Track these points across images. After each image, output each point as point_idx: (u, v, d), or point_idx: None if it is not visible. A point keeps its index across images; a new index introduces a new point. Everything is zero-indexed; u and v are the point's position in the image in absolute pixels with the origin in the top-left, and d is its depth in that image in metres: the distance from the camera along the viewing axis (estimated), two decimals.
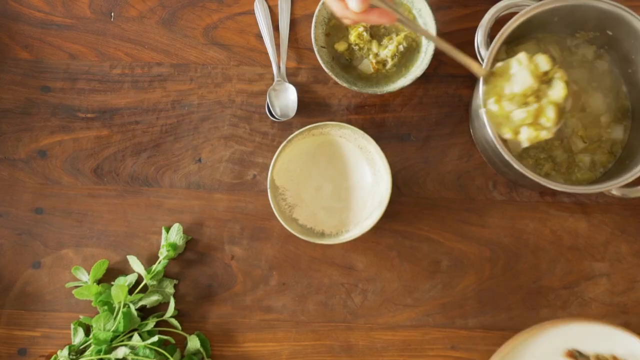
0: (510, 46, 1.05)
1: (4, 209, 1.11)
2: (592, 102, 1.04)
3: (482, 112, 0.90)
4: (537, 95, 0.89)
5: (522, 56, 0.89)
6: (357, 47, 1.07)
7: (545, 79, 0.89)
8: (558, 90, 0.88)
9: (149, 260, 1.09)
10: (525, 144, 0.90)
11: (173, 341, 1.06)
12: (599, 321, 1.01)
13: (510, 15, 0.95)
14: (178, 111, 1.12)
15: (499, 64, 0.90)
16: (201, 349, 1.05)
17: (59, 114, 1.13)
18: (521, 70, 0.88)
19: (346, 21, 0.83)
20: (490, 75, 0.91)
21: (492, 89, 0.91)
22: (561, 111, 0.89)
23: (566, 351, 1.00)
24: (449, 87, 1.10)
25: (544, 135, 0.90)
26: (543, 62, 0.89)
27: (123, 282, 1.05)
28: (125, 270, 1.09)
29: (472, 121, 1.06)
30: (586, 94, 1.05)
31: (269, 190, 1.03)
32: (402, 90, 1.10)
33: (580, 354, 1.00)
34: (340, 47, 1.07)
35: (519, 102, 0.89)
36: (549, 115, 0.89)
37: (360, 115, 1.11)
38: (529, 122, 0.90)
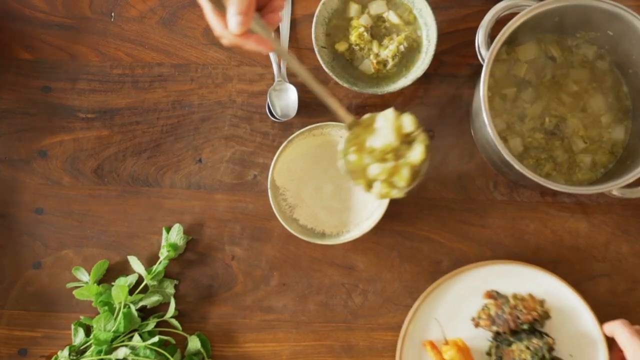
0: (511, 46, 1.05)
1: (4, 209, 1.11)
2: (593, 102, 1.04)
3: (340, 162, 0.90)
4: (396, 153, 0.88)
5: (389, 112, 0.88)
6: (357, 48, 1.07)
7: (407, 140, 0.88)
8: (417, 153, 0.88)
9: (150, 260, 1.09)
10: (376, 198, 0.89)
11: (173, 341, 1.06)
12: (515, 262, 1.04)
13: (511, 16, 0.95)
14: (178, 111, 1.12)
15: (366, 116, 0.90)
16: (202, 350, 1.05)
17: (60, 114, 1.12)
18: (386, 126, 0.87)
19: (224, 41, 0.80)
20: (356, 125, 0.89)
21: (354, 138, 0.89)
22: (416, 173, 0.88)
23: (485, 292, 1.03)
24: (450, 87, 1.10)
25: (395, 193, 0.89)
26: (408, 122, 0.88)
27: (123, 283, 1.05)
28: (125, 270, 1.09)
29: (473, 121, 1.06)
30: (587, 94, 1.04)
31: (269, 191, 1.03)
32: (402, 91, 1.09)
33: (498, 294, 1.03)
34: (341, 47, 1.07)
35: (377, 157, 0.88)
36: (403, 176, 0.88)
37: (361, 116, 1.10)
38: (383, 178, 0.89)
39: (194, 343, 1.05)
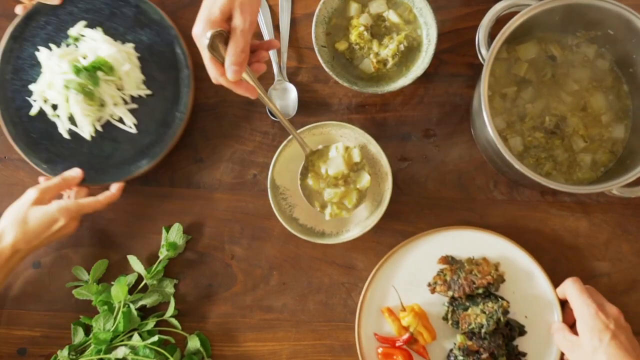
0: (512, 45, 1.04)
1: (4, 208, 1.10)
2: (593, 101, 1.04)
3: (298, 186, 1.04)
4: (345, 179, 1.03)
5: (340, 145, 1.03)
6: (357, 47, 1.07)
7: (355, 168, 1.03)
8: (365, 181, 1.03)
9: (149, 259, 1.09)
10: (327, 217, 1.03)
11: (173, 341, 1.06)
12: (469, 227, 1.05)
13: (511, 15, 0.95)
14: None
15: (320, 147, 1.03)
16: (201, 349, 1.05)
17: None
18: (337, 156, 1.03)
19: (215, 81, 0.92)
20: (312, 154, 1.03)
21: (311, 166, 1.04)
22: (362, 197, 1.04)
23: (440, 257, 1.05)
24: (450, 87, 1.10)
25: (345, 214, 1.03)
26: (356, 154, 1.03)
27: (123, 282, 1.04)
28: (125, 269, 1.09)
29: (473, 120, 1.06)
30: (587, 93, 1.04)
31: (269, 190, 1.03)
32: (402, 90, 1.09)
33: (453, 259, 1.05)
34: (341, 46, 1.07)
35: (330, 182, 1.03)
36: (352, 199, 1.03)
37: (360, 115, 1.10)
38: (335, 201, 1.03)
39: (194, 342, 1.05)
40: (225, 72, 0.88)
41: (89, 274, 1.07)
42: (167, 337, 1.05)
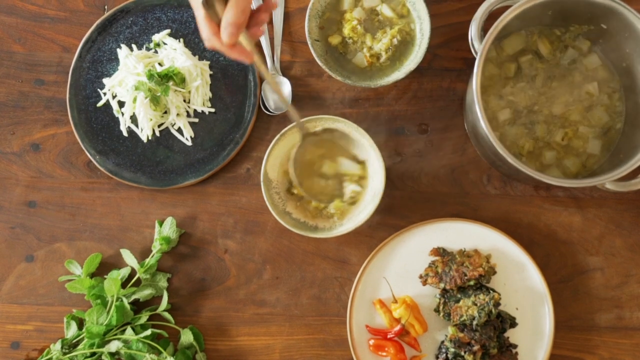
0: (504, 39, 1.04)
1: None
2: (587, 95, 1.04)
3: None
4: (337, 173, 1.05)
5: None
6: (351, 41, 1.07)
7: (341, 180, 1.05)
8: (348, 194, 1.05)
9: (143, 253, 1.09)
10: (332, 209, 1.06)
11: (166, 335, 1.06)
12: (460, 219, 1.05)
13: (504, 9, 0.95)
14: None
15: (319, 129, 1.04)
16: (194, 343, 1.05)
17: (53, 107, 1.12)
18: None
19: (207, 44, 0.83)
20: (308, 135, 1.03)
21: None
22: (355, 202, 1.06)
23: (432, 249, 1.05)
24: (444, 81, 1.10)
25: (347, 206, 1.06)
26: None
27: (116, 276, 1.04)
28: (118, 263, 1.09)
29: (467, 115, 1.06)
30: (582, 86, 1.04)
31: (262, 184, 1.03)
32: (396, 84, 1.09)
33: (444, 251, 1.05)
34: (334, 40, 1.07)
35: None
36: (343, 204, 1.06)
37: (354, 109, 1.10)
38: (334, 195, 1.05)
39: (187, 336, 1.05)
40: (220, 33, 0.80)
41: (82, 267, 1.07)
42: (160, 331, 1.05)
